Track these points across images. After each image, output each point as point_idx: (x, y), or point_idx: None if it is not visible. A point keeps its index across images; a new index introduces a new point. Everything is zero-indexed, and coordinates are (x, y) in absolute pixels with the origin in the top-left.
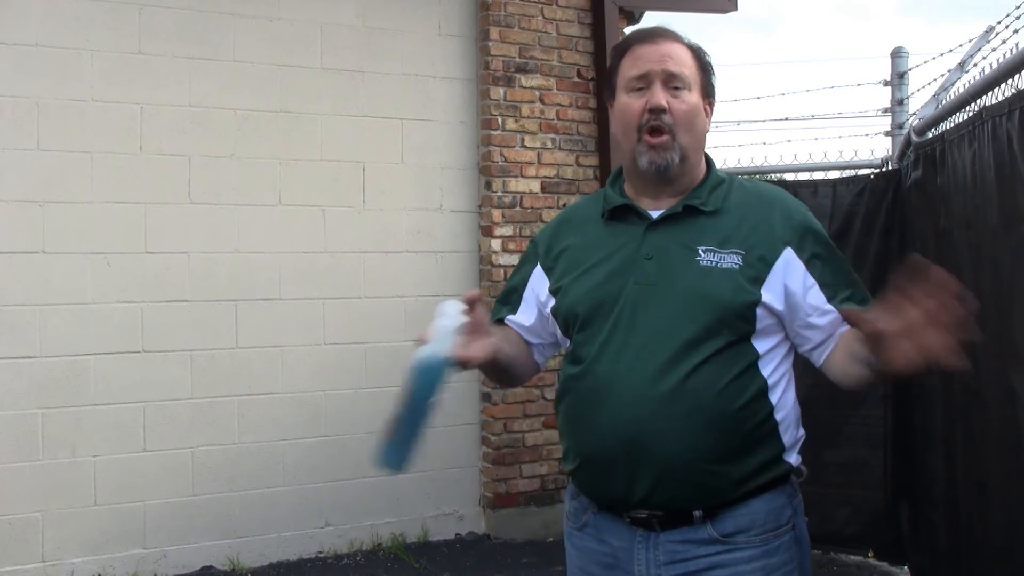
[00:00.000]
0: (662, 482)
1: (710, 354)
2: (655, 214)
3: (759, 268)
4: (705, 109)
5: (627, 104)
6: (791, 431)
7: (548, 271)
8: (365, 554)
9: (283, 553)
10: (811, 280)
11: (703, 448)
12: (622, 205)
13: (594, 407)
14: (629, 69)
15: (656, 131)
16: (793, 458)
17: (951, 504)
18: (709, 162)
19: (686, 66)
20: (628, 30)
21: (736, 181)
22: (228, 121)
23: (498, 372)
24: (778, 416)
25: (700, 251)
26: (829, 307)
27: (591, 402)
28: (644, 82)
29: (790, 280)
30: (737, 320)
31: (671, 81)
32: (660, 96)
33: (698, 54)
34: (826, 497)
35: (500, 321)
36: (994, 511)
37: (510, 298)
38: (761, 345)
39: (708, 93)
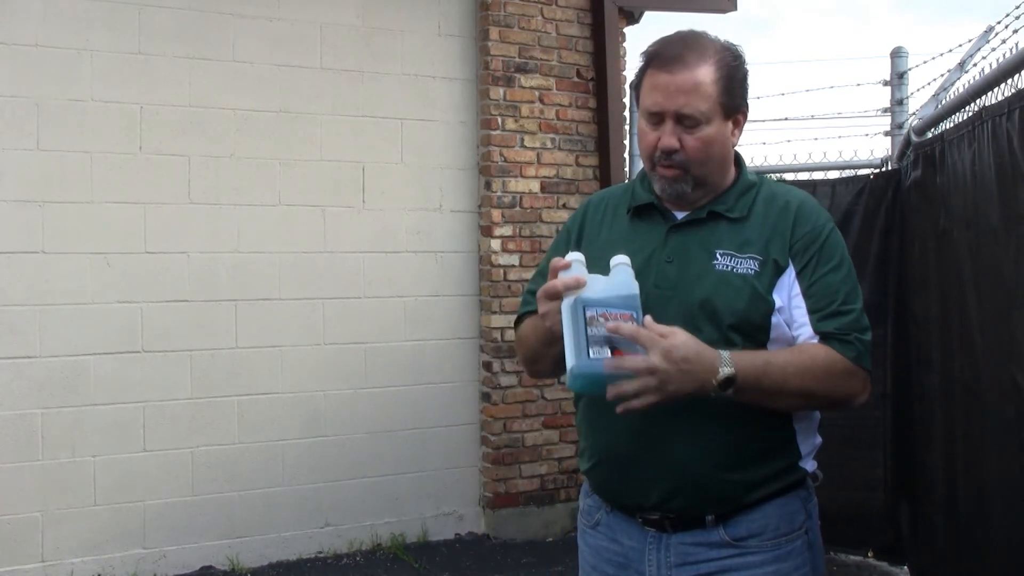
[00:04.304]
0: (676, 489)
1: None
2: (680, 215)
3: (773, 274)
4: (737, 119)
5: (643, 132)
6: (809, 439)
7: None
8: (365, 554)
9: (283, 553)
10: (797, 289)
11: (718, 456)
12: (648, 204)
13: (611, 409)
14: (646, 95)
15: (667, 166)
16: (809, 464)
17: (951, 504)
18: (740, 164)
19: (704, 97)
20: (628, 30)
21: (766, 184)
22: (228, 121)
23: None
24: (797, 424)
25: (717, 255)
26: (804, 320)
27: (608, 404)
28: (658, 118)
29: (791, 286)
30: (752, 329)
31: (684, 120)
32: (670, 139)
33: (724, 69)
34: (826, 496)
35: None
36: (994, 511)
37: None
38: None
39: (734, 109)
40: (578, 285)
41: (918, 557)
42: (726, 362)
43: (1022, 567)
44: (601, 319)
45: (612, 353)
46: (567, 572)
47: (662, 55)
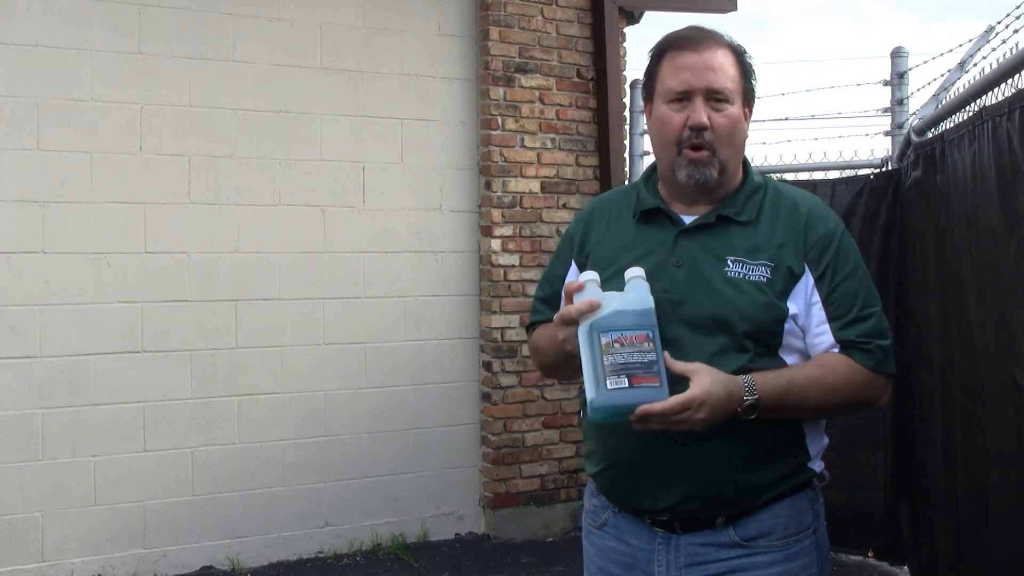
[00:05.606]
0: (688, 493)
1: (737, 368)
2: (687, 219)
3: (787, 280)
4: (745, 114)
5: (666, 116)
6: (818, 440)
7: (581, 268)
8: (365, 554)
9: (283, 553)
10: (816, 297)
11: (731, 459)
12: (655, 208)
13: None
14: (669, 78)
15: (696, 147)
16: (817, 465)
17: (951, 504)
18: (746, 166)
19: (729, 77)
20: (628, 30)
21: (772, 186)
22: (228, 121)
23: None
24: (806, 426)
25: (729, 261)
26: (823, 328)
27: None
28: (685, 95)
29: (810, 294)
30: (764, 335)
31: (713, 95)
32: (702, 114)
33: (741, 58)
34: (826, 496)
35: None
36: (994, 511)
37: (551, 298)
38: (789, 357)
39: (749, 99)
40: (591, 309)
41: (918, 557)
42: (750, 390)
43: (1022, 567)
44: (616, 344)
45: (630, 381)
46: (567, 572)
47: (681, 39)
